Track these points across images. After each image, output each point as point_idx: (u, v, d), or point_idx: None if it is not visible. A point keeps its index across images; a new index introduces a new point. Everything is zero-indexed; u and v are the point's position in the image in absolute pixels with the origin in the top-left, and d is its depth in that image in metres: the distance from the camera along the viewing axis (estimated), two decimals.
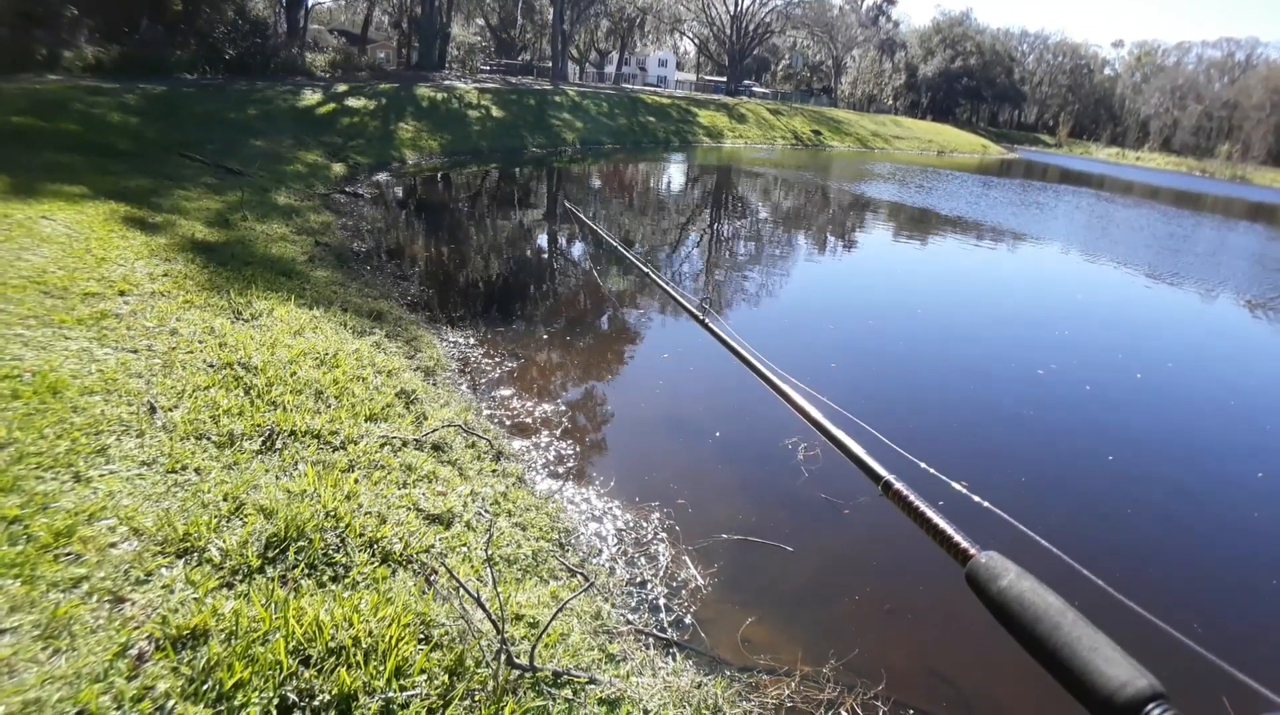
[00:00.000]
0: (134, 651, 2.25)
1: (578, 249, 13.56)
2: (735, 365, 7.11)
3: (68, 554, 2.60)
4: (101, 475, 3.10)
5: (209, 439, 3.64)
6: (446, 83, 30.57)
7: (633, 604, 3.65)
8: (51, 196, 7.77)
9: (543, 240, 13.72)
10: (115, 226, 7.18)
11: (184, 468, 3.33)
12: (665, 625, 3.52)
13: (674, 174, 26.42)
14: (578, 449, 5.22)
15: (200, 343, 4.75)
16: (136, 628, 2.34)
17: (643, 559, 4.03)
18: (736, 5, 63.29)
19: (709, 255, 13.85)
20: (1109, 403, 7.48)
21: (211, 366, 4.45)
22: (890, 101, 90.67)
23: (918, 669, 3.61)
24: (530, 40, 57.30)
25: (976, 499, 1.42)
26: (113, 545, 2.71)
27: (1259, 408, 8.07)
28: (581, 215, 5.49)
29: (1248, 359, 10.29)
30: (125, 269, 5.88)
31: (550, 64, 45.47)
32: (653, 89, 53.32)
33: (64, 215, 7.07)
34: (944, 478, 1.53)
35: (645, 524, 4.36)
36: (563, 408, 5.89)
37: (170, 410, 3.82)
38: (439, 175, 18.97)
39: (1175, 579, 4.66)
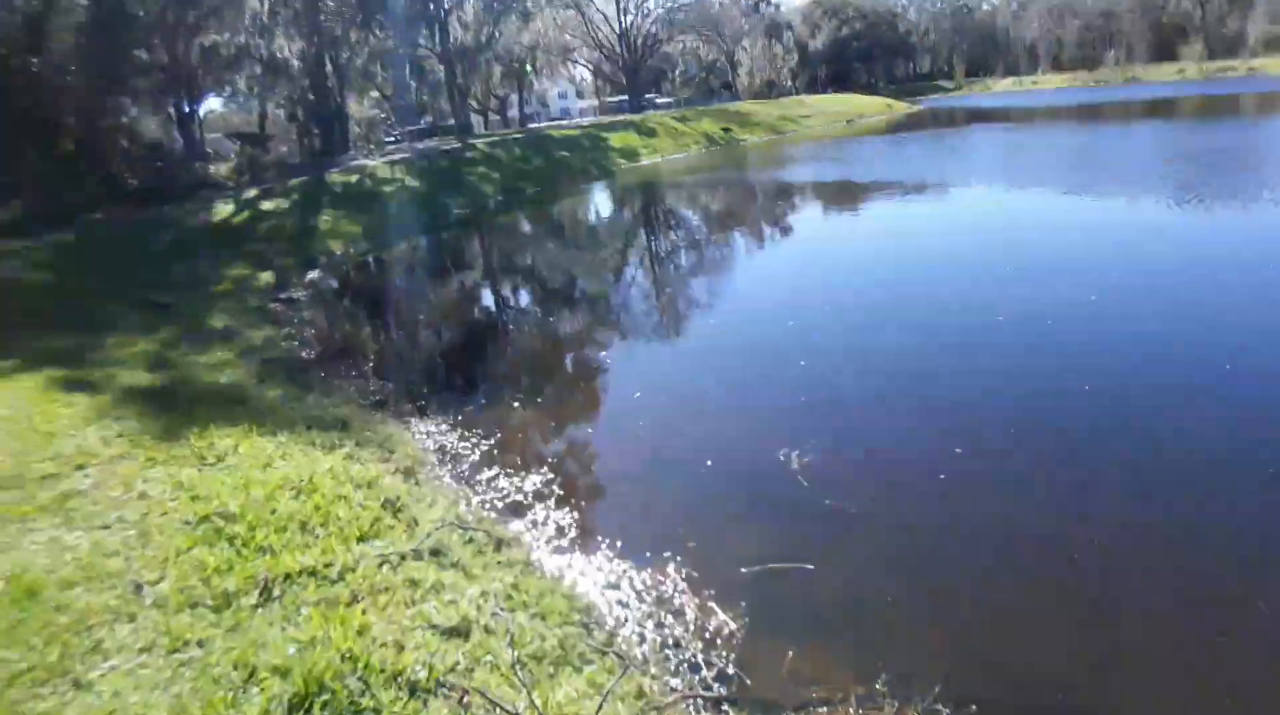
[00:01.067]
0: None
1: (524, 300, 13.51)
2: (709, 388, 7.14)
3: None
4: (102, 675, 2.97)
5: (204, 605, 3.51)
6: (356, 163, 30.35)
7: (672, 668, 3.59)
8: None
9: (488, 300, 13.66)
10: (56, 395, 6.93)
11: (185, 644, 3.19)
12: (710, 682, 3.48)
13: (599, 203, 26.60)
14: (576, 516, 5.16)
15: (172, 501, 4.60)
16: None
17: (669, 617, 3.98)
18: (620, 24, 64.18)
19: (654, 274, 13.93)
20: (1075, 333, 7.70)
21: (189, 524, 4.30)
22: (789, 83, 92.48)
23: (969, 662, 3.61)
24: (428, 102, 57.22)
25: None
26: None
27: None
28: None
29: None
30: (78, 439, 5.67)
31: (453, 121, 45.45)
32: (559, 123, 53.72)
33: (1, 397, 6.82)
34: None
35: (663, 578, 4.31)
36: (551, 476, 5.82)
37: (157, 583, 3.68)
38: (370, 259, 18.77)
39: None
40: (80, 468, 5.12)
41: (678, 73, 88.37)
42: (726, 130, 45.74)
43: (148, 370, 8.07)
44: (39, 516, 4.34)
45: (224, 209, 20.68)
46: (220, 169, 30.01)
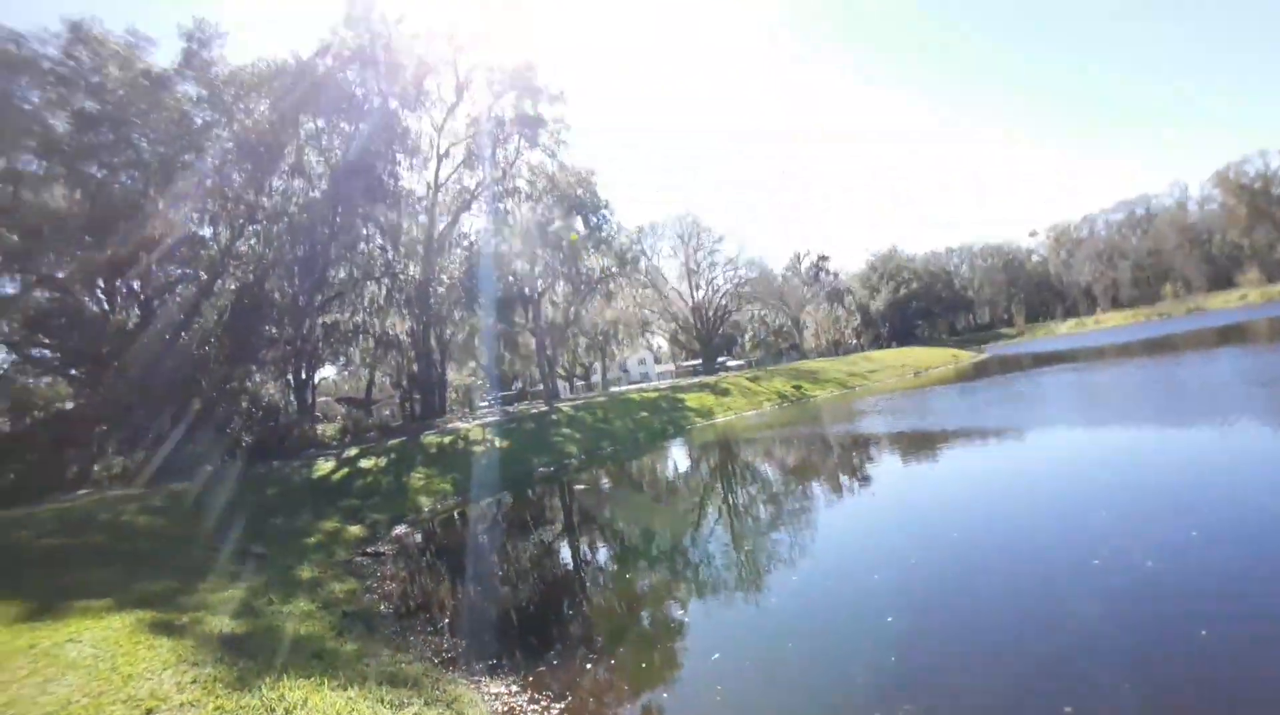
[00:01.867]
0: None
1: (601, 555, 13.39)
2: (790, 649, 6.78)
3: None
4: None
5: None
6: (450, 426, 32.42)
7: None
8: (79, 615, 7.81)
9: (565, 557, 13.55)
10: (142, 636, 7.11)
11: None
12: None
13: (676, 459, 27.07)
14: None
15: None
16: None
17: None
18: (693, 298, 70.17)
19: (730, 529, 13.70)
20: (1181, 576, 7.04)
21: None
22: (854, 341, 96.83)
23: None
24: (520, 369, 62.05)
25: None
26: None
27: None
28: None
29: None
30: (153, 683, 5.73)
31: (542, 387, 48.79)
32: (638, 387, 56.74)
33: (91, 634, 7.05)
34: None
35: None
36: None
37: None
38: (455, 515, 19.28)
39: None
40: (149, 713, 5.12)
41: (747, 337, 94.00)
42: (797, 387, 47.17)
43: (232, 617, 8.24)
44: None
45: (325, 466, 22.05)
46: (327, 430, 32.53)
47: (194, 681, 5.83)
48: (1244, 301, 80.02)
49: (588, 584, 11.21)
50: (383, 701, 5.80)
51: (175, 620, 7.90)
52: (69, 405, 24.32)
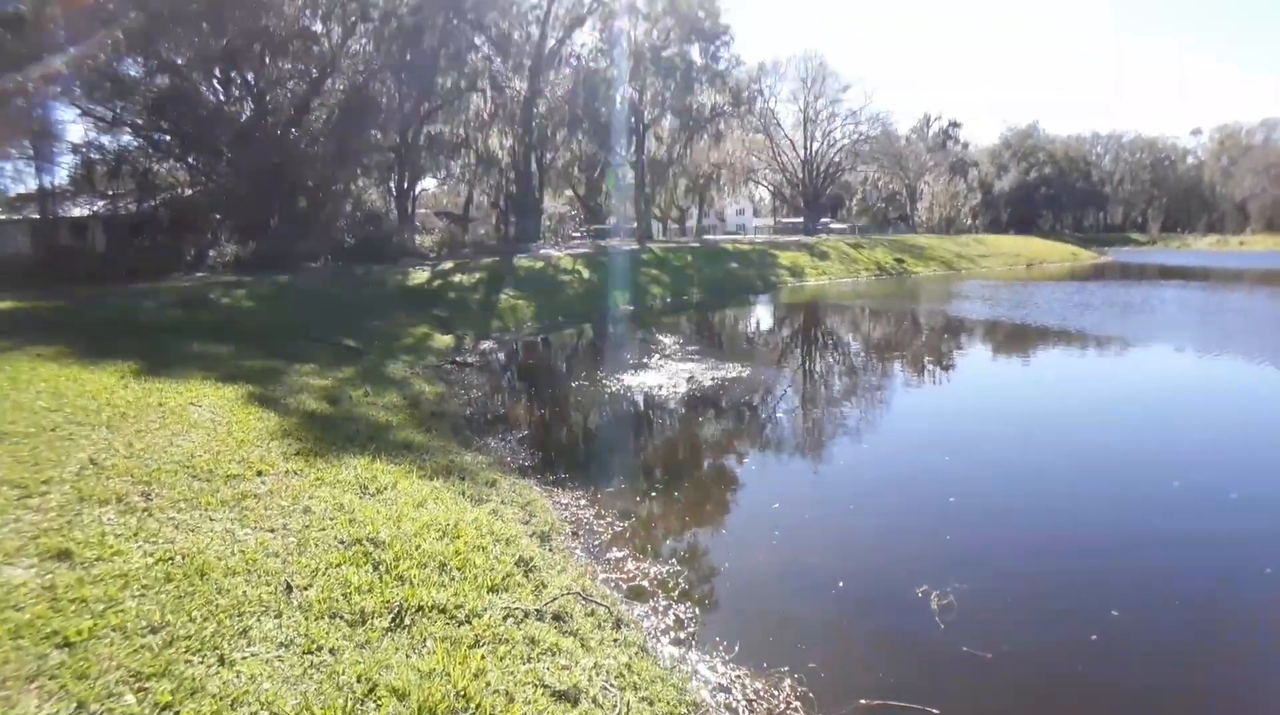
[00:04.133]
0: None
1: (673, 401, 13.67)
2: (851, 511, 6.85)
3: None
4: (244, 658, 3.20)
5: (341, 617, 3.72)
6: (542, 252, 32.86)
7: None
8: (199, 381, 8.65)
9: (639, 396, 13.90)
10: (253, 408, 7.84)
11: (319, 648, 3.39)
12: None
13: (760, 316, 26.87)
14: (697, 611, 5.04)
15: (331, 520, 4.98)
16: None
17: None
18: (806, 150, 66.35)
19: (805, 391, 13.71)
20: (1257, 516, 6.72)
21: (342, 543, 4.63)
22: (969, 221, 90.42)
23: None
24: (615, 205, 61.38)
25: None
26: None
27: None
28: None
29: None
30: (261, 450, 6.34)
31: (636, 224, 48.29)
32: (733, 237, 55.52)
33: (209, 401, 7.81)
34: None
35: (776, 692, 4.08)
36: (677, 567, 5.75)
37: (305, 589, 3.96)
38: (539, 339, 19.93)
39: None
40: (260, 474, 5.70)
41: (855, 200, 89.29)
42: (899, 261, 45.26)
43: (330, 402, 8.94)
44: (219, 509, 4.86)
45: (420, 275, 22.90)
46: (425, 240, 33.55)
47: (297, 453, 6.42)
48: None
49: (657, 423, 11.57)
50: (464, 495, 6.28)
51: (280, 398, 8.63)
52: (187, 192, 25.65)
